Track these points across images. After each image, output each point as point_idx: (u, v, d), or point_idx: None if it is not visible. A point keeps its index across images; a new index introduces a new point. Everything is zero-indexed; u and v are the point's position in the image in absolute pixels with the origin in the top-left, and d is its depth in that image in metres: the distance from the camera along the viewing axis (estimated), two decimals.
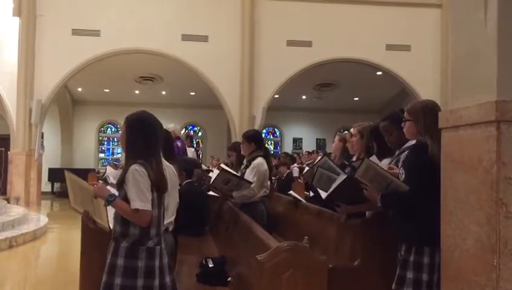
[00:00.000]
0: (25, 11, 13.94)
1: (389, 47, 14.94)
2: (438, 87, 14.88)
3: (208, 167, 10.93)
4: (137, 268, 2.56)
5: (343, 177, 3.27)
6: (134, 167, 2.59)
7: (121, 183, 2.62)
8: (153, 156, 2.68)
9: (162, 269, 2.64)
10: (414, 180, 2.71)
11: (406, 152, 3.18)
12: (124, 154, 2.80)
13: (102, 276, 2.67)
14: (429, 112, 2.88)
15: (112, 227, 2.71)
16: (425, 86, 14.89)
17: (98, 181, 3.13)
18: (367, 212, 3.55)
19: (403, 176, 2.84)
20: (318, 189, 3.56)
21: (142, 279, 2.56)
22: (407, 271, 2.73)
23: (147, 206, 2.56)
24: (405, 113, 2.99)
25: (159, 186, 2.64)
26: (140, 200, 2.55)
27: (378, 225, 3.25)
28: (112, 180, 3.14)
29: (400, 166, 2.97)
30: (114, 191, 2.84)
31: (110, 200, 2.59)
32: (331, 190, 3.36)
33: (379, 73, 15.77)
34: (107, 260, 2.63)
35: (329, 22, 14.77)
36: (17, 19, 14.01)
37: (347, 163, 4.22)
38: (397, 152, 3.37)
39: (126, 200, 2.58)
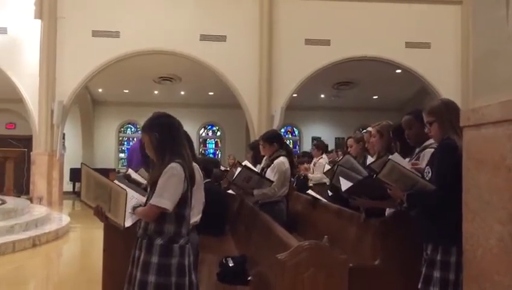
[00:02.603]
0: (46, 14, 14.14)
1: (409, 45, 14.78)
2: (459, 85, 14.69)
3: (226, 168, 10.95)
4: (170, 266, 2.60)
5: (365, 175, 3.27)
6: (172, 165, 2.63)
7: (154, 183, 2.65)
8: (184, 151, 2.72)
9: (190, 267, 2.68)
10: (444, 180, 2.67)
11: (428, 150, 3.16)
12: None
13: (128, 272, 2.71)
14: (452, 108, 2.86)
15: (125, 225, 2.71)
16: (446, 83, 14.72)
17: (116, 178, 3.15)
18: (387, 211, 3.54)
19: (429, 174, 2.81)
20: (340, 177, 3.56)
21: (175, 277, 2.60)
22: (434, 270, 2.72)
23: (165, 204, 2.58)
24: (426, 117, 2.95)
25: (190, 181, 2.68)
26: (164, 198, 2.58)
27: (397, 224, 3.23)
28: (135, 175, 3.16)
29: (425, 165, 2.95)
30: (134, 193, 2.86)
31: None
32: (351, 185, 3.36)
33: (398, 71, 15.63)
34: (140, 258, 2.65)
35: (348, 20, 14.68)
36: (38, 21, 14.23)
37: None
38: (417, 150, 3.35)
39: None
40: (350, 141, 5.72)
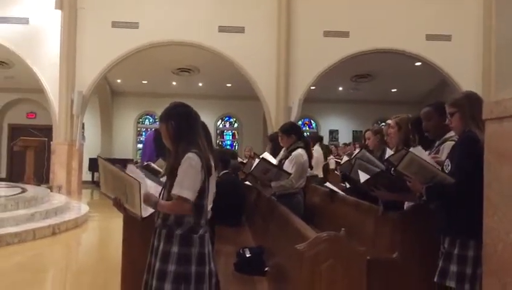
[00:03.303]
0: (66, 5, 14.28)
1: (429, 37, 14.59)
2: (480, 78, 14.45)
3: (243, 160, 10.92)
4: (190, 255, 2.62)
5: (381, 169, 3.25)
6: (189, 155, 2.62)
7: (172, 172, 2.65)
8: (199, 140, 2.72)
9: (209, 256, 2.70)
10: (464, 173, 2.64)
11: (448, 143, 3.12)
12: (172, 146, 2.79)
13: (147, 262, 2.73)
14: (475, 101, 2.81)
15: (142, 215, 2.71)
16: (467, 76, 14.50)
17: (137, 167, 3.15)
18: (405, 205, 3.52)
19: (449, 167, 2.78)
20: (358, 171, 3.54)
21: (195, 266, 2.62)
22: (451, 264, 2.70)
23: (187, 194, 2.58)
24: (448, 108, 2.91)
25: (207, 171, 2.68)
26: (185, 188, 2.58)
27: (416, 217, 3.21)
28: (155, 166, 3.18)
29: (445, 157, 2.92)
30: (151, 182, 2.87)
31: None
32: (368, 177, 3.34)
33: (418, 64, 15.44)
34: (159, 248, 2.66)
35: (367, 12, 14.53)
36: (59, 12, 14.37)
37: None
38: (437, 143, 3.32)
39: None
40: (368, 134, 5.68)
